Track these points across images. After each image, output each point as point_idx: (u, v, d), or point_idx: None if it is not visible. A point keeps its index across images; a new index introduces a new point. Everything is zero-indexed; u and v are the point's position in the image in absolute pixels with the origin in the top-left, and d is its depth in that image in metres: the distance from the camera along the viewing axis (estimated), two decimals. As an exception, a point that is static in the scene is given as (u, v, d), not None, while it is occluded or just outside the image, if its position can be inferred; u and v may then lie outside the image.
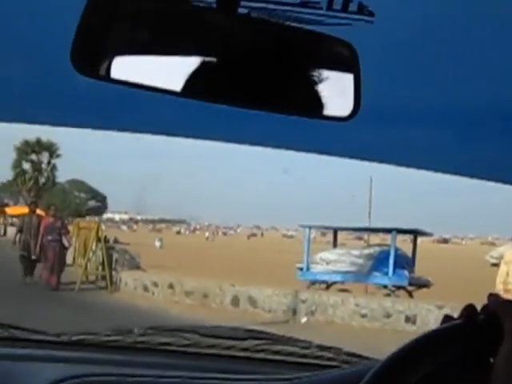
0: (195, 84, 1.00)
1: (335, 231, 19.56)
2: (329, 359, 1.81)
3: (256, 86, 1.01)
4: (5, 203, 58.11)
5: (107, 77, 0.97)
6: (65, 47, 0.93)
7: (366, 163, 1.71)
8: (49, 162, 59.99)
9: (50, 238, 16.14)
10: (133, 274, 16.94)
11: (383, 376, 0.83)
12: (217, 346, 1.85)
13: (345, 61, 1.03)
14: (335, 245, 19.19)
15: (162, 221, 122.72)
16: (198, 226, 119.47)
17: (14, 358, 1.65)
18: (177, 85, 1.00)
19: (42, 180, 59.86)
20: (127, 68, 0.98)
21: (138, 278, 16.54)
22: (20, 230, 16.86)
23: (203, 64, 1.00)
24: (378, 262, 16.75)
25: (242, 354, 1.85)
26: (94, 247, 17.49)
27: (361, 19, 1.07)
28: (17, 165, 59.55)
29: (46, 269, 16.08)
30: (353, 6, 1.07)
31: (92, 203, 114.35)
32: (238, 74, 1.01)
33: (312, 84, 1.04)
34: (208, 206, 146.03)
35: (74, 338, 1.84)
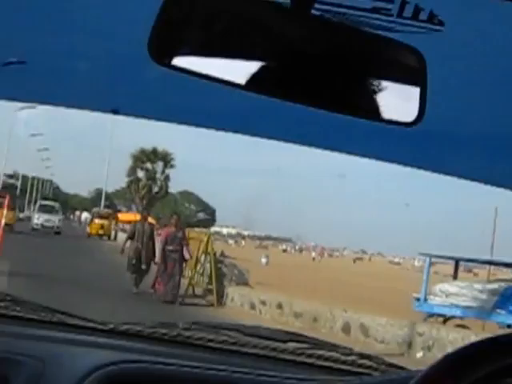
0: (267, 80, 1.03)
1: (457, 262, 18.35)
2: (368, 367, 1.80)
3: (324, 86, 1.04)
4: (117, 209, 59.53)
5: (181, 67, 1.02)
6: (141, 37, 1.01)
7: (491, 192, 1.76)
8: (163, 172, 60.97)
9: (171, 248, 15.21)
10: (240, 289, 16.38)
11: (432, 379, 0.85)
12: (258, 346, 1.87)
13: (413, 67, 1.05)
14: (455, 277, 17.99)
15: (268, 238, 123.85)
16: (303, 246, 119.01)
17: (61, 342, 1.71)
18: (249, 80, 1.03)
19: (155, 189, 60.84)
20: (202, 60, 1.03)
21: (246, 295, 15.97)
22: (130, 237, 16.13)
23: (276, 61, 1.03)
24: (504, 298, 15.45)
25: (283, 355, 1.86)
26: (202, 259, 17.00)
27: (430, 28, 1.11)
28: (132, 172, 60.85)
29: (162, 280, 15.16)
30: (423, 15, 1.11)
31: (201, 215, 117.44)
32: (308, 73, 1.03)
33: (379, 88, 1.05)
34: (314, 226, 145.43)
35: (120, 328, 1.89)
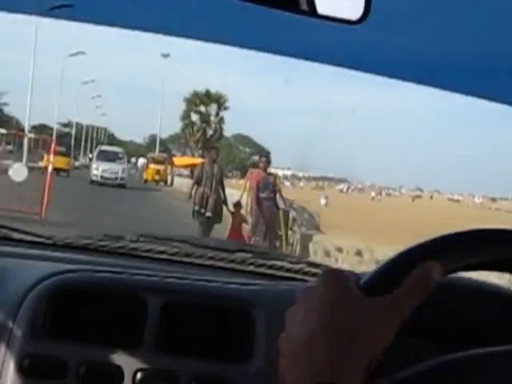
0: None
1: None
2: (315, 274, 1.79)
3: None
4: (172, 154, 58.86)
5: None
6: None
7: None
8: (217, 114, 59.92)
9: (264, 195, 13.10)
10: (311, 235, 15.18)
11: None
12: (206, 257, 1.89)
13: None
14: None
15: (323, 178, 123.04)
16: (359, 186, 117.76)
17: (5, 255, 1.69)
18: None
19: (210, 132, 59.91)
20: None
21: (318, 241, 14.74)
22: (197, 182, 13.74)
23: None
24: None
25: (231, 265, 1.86)
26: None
27: None
28: (185, 116, 60.06)
29: (258, 232, 13.26)
30: None
31: (256, 158, 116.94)
32: None
33: None
34: (369, 165, 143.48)
35: (66, 241, 1.91)
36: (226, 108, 59.59)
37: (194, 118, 60.14)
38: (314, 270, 1.85)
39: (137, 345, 1.47)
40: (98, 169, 35.53)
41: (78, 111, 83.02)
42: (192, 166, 60.70)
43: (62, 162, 36.28)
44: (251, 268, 1.86)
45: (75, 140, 72.86)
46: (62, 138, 65.77)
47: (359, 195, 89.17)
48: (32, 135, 30.79)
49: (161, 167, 46.88)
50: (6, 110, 79.17)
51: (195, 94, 59.36)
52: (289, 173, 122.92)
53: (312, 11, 0.95)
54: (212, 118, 59.84)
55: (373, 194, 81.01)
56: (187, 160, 56.62)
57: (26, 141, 29.59)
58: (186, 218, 14.78)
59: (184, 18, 1.37)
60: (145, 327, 1.48)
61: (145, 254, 1.86)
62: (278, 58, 1.48)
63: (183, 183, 44.18)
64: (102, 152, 38.90)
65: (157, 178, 45.64)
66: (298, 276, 1.83)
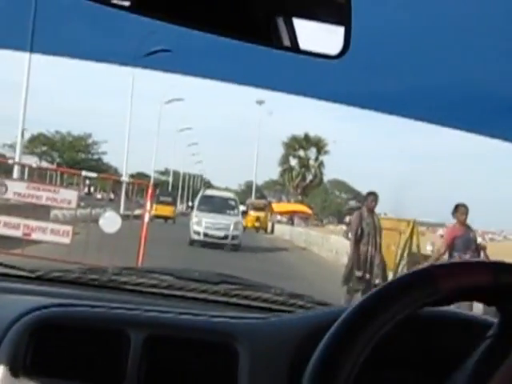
0: (180, 10, 1.01)
1: None
2: (301, 306, 1.81)
3: (243, 18, 1.01)
4: (268, 200, 57.41)
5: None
6: None
7: None
8: (316, 158, 58.29)
9: (465, 255, 9.02)
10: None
11: (353, 320, 0.86)
12: (188, 288, 1.89)
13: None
14: None
15: (420, 223, 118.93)
16: None
17: None
18: (157, 7, 1.01)
19: (309, 177, 58.31)
20: None
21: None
22: (358, 239, 9.89)
23: None
24: None
25: (214, 297, 1.87)
26: (404, 255, 13.55)
27: None
28: (284, 161, 58.74)
29: None
30: None
31: (353, 203, 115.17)
32: (227, 2, 1.02)
33: (302, 20, 1.04)
34: (474, 208, 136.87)
35: (49, 275, 1.89)
36: (325, 152, 57.97)
37: (293, 162, 58.79)
38: (298, 302, 1.84)
39: (119, 380, 1.46)
40: (201, 223, 23.88)
41: (175, 159, 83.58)
42: (292, 213, 59.93)
43: (167, 210, 36.95)
44: (235, 300, 1.86)
45: (172, 187, 72.89)
46: (160, 186, 65.75)
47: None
48: (127, 179, 29.48)
49: (261, 214, 45.36)
50: (105, 158, 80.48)
51: (293, 139, 58.12)
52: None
53: (294, 47, 1.03)
54: (311, 163, 58.26)
55: (479, 239, 76.86)
56: (287, 206, 55.18)
57: (123, 187, 28.35)
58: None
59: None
60: (127, 362, 1.47)
61: (128, 287, 1.85)
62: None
63: (284, 230, 42.70)
64: (206, 198, 26.48)
65: (257, 225, 44.11)
66: (283, 307, 1.81)
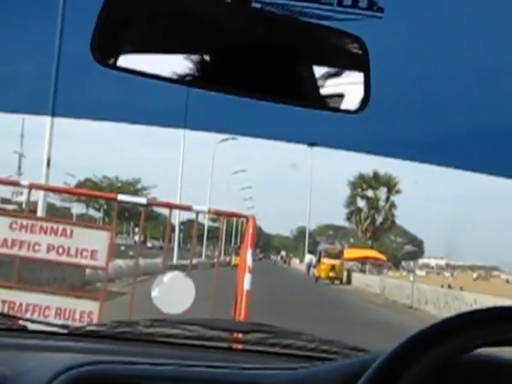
0: (210, 76, 1.05)
1: None
2: (334, 353, 1.82)
3: (267, 79, 1.06)
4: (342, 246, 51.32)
5: (125, 68, 1.02)
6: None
7: None
8: (387, 199, 52.33)
9: None
10: None
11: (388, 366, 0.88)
12: (220, 339, 1.90)
13: (355, 55, 1.07)
14: None
15: (473, 267, 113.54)
16: None
17: (22, 348, 1.70)
18: (192, 76, 1.04)
19: (380, 219, 52.28)
20: (145, 60, 1.04)
21: None
22: None
23: (218, 56, 1.05)
24: None
25: (245, 346, 1.89)
26: None
27: (370, 15, 1.16)
28: (351, 201, 52.94)
29: None
30: (363, 2, 1.18)
31: (408, 248, 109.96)
32: (251, 66, 1.06)
33: (323, 77, 1.07)
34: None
35: (80, 330, 1.95)
36: (398, 191, 51.98)
37: (361, 203, 52.91)
38: (331, 348, 1.84)
39: None
40: None
41: (228, 203, 79.22)
42: (363, 259, 54.21)
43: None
44: (267, 348, 1.86)
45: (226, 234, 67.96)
46: (212, 232, 61.29)
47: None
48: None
49: (336, 262, 39.80)
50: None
51: (361, 177, 52.45)
52: (442, 262, 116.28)
53: (317, 104, 1.07)
54: (381, 203, 52.27)
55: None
56: (359, 252, 49.30)
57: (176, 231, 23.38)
58: None
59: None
60: None
61: (159, 339, 1.88)
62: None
63: (363, 280, 36.73)
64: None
65: (332, 275, 38.48)
66: (316, 354, 1.79)
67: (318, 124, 1.44)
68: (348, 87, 1.05)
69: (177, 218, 40.20)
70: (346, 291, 30.44)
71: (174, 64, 1.02)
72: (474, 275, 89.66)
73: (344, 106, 1.06)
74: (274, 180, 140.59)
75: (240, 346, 1.87)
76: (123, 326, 1.91)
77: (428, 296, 22.11)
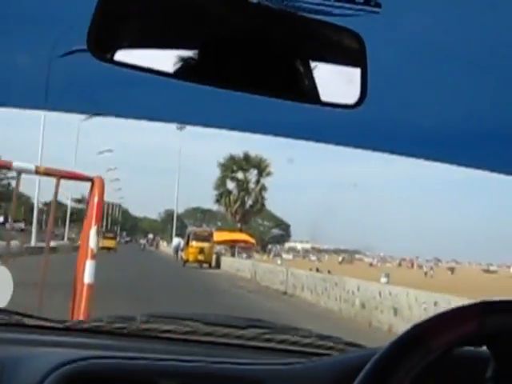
0: (205, 69, 1.05)
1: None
2: (329, 348, 1.84)
3: (264, 73, 1.06)
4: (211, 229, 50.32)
5: (120, 61, 1.02)
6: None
7: None
8: (257, 181, 51.83)
9: None
10: None
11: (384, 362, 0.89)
12: (217, 334, 1.91)
13: (352, 50, 1.08)
14: None
15: (337, 251, 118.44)
16: (389, 258, 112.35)
17: (19, 343, 1.71)
18: (187, 70, 1.04)
19: (249, 202, 51.76)
20: (142, 54, 1.03)
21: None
22: None
23: (215, 51, 1.05)
24: None
25: (242, 342, 1.90)
26: None
27: (367, 10, 1.15)
28: (220, 183, 52.04)
29: None
30: None
31: (275, 231, 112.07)
32: (248, 60, 1.05)
33: (319, 72, 1.08)
34: (384, 236, 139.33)
35: (78, 325, 1.96)
36: (268, 174, 51.56)
37: (231, 186, 52.14)
38: (327, 344, 1.86)
39: None
40: None
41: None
42: (233, 242, 53.45)
43: (111, 243, 46.45)
44: (263, 344, 1.87)
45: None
46: (76, 215, 58.89)
47: (401, 269, 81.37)
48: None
49: (205, 245, 38.51)
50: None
51: (231, 159, 51.61)
52: (308, 246, 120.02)
53: (314, 100, 1.06)
54: (251, 186, 51.72)
55: (425, 269, 72.98)
56: (228, 235, 48.51)
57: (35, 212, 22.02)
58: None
59: (201, 107, 1.53)
60: None
61: (156, 335, 1.87)
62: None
63: (234, 264, 35.73)
64: None
65: (200, 258, 37.36)
66: (312, 350, 1.82)
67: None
68: (344, 82, 1.07)
69: (36, 197, 37.88)
70: (215, 275, 29.53)
71: (170, 58, 1.01)
72: (340, 258, 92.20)
73: (340, 101, 1.07)
74: (141, 162, 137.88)
75: (236, 342, 1.87)
76: (120, 322, 1.91)
77: (304, 282, 21.17)
